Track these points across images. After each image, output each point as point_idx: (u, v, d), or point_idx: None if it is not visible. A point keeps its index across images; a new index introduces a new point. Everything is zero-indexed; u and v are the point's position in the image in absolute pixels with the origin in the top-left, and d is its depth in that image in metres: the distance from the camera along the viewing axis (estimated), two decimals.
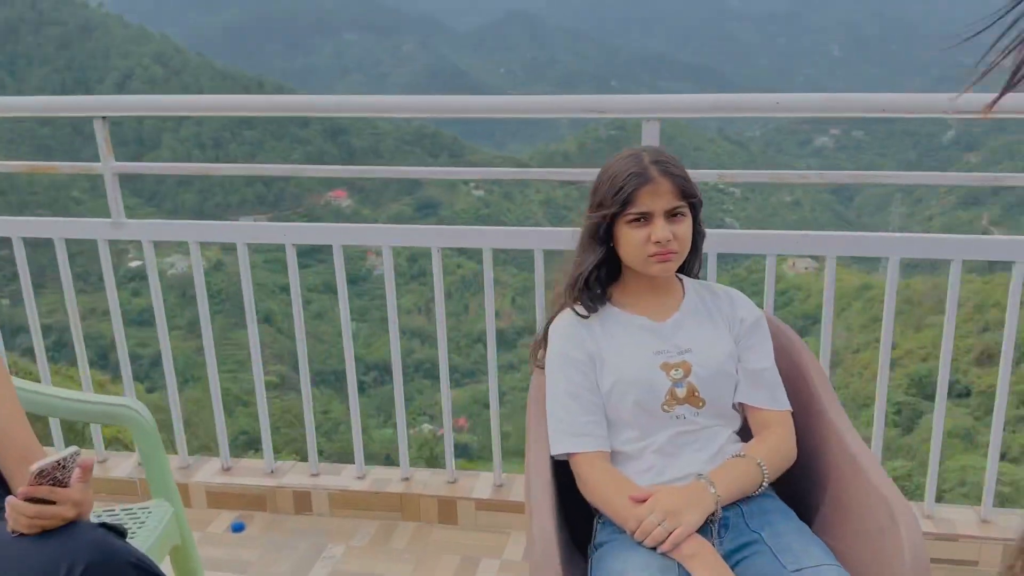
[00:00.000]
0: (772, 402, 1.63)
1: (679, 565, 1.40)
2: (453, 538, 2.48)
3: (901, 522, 1.39)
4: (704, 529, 1.50)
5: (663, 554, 1.42)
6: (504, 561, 2.37)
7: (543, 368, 1.72)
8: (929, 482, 2.33)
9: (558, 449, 1.59)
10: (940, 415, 2.24)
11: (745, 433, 1.66)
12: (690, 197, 1.59)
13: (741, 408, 1.65)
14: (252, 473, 2.68)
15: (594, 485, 1.54)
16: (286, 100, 2.74)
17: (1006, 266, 2.06)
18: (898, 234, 2.15)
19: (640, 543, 1.44)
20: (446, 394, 2.54)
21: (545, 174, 2.37)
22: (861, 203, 57.59)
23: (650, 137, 2.14)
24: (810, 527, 1.57)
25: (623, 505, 1.49)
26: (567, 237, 2.23)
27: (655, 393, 1.58)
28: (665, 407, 1.58)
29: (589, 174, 1.83)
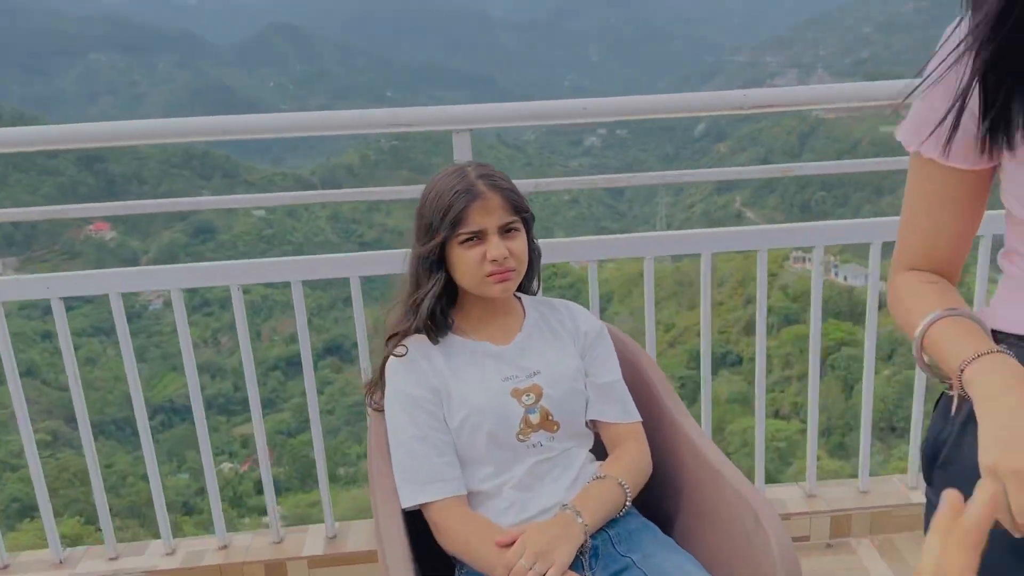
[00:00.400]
0: (624, 415, 1.57)
1: None
2: None
3: (767, 525, 1.37)
4: (575, 562, 1.41)
5: None
6: None
7: (380, 410, 1.56)
8: (757, 466, 2.39)
9: (410, 501, 1.44)
10: (706, 397, 2.31)
11: (598, 449, 1.59)
12: (522, 211, 1.50)
13: (593, 425, 1.58)
14: (37, 568, 2.28)
15: (454, 534, 1.41)
16: (21, 133, 2.26)
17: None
18: (708, 230, 2.19)
19: None
20: (265, 464, 2.29)
21: (358, 195, 2.18)
22: (632, 196, 61.35)
23: (462, 149, 2.03)
24: (672, 538, 1.52)
25: (488, 553, 1.36)
26: (385, 261, 2.10)
27: (509, 422, 1.47)
28: (520, 436, 1.47)
29: (414, 191, 1.70)
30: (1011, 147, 0.92)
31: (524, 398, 1.49)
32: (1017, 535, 0.80)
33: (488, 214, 1.45)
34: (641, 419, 1.59)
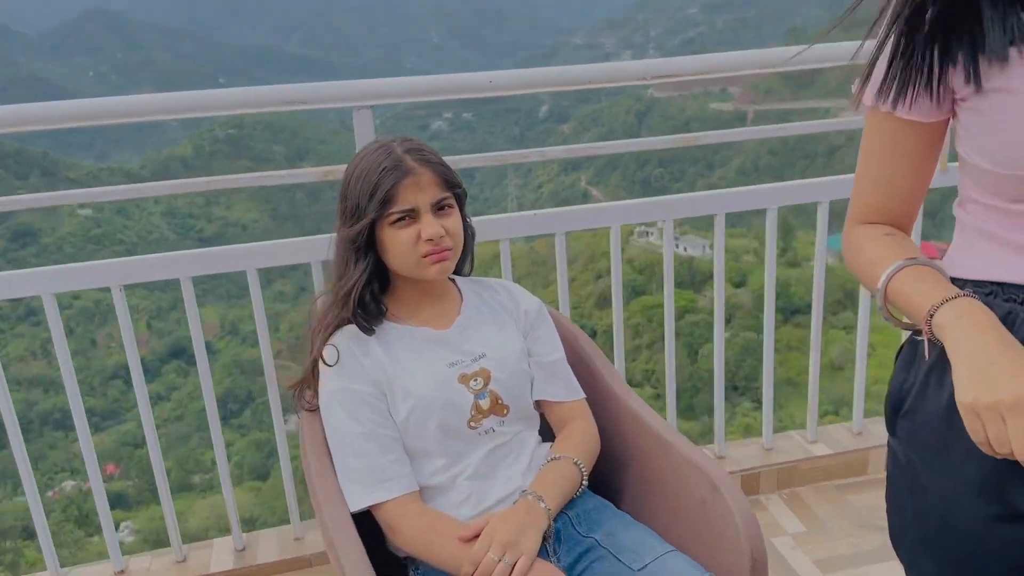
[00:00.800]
0: (570, 393, 1.54)
1: None
2: None
3: (724, 490, 1.37)
4: (540, 549, 1.37)
5: None
6: None
7: (313, 410, 1.45)
8: (717, 427, 2.44)
9: (360, 503, 1.34)
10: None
11: (544, 430, 1.55)
12: (455, 187, 1.43)
13: (538, 405, 1.53)
14: None
15: (411, 534, 1.33)
16: None
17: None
18: (618, 203, 2.19)
19: None
20: (163, 491, 2.09)
21: (256, 179, 1.99)
22: (482, 179, 61.69)
23: (364, 127, 1.93)
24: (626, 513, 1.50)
25: (452, 549, 1.29)
26: (284, 251, 1.97)
27: (459, 411, 1.40)
28: (471, 424, 1.41)
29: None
30: (979, 83, 0.93)
31: (472, 383, 1.42)
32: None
33: (420, 191, 1.37)
34: (585, 396, 1.56)
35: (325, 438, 1.42)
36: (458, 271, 1.55)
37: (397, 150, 1.39)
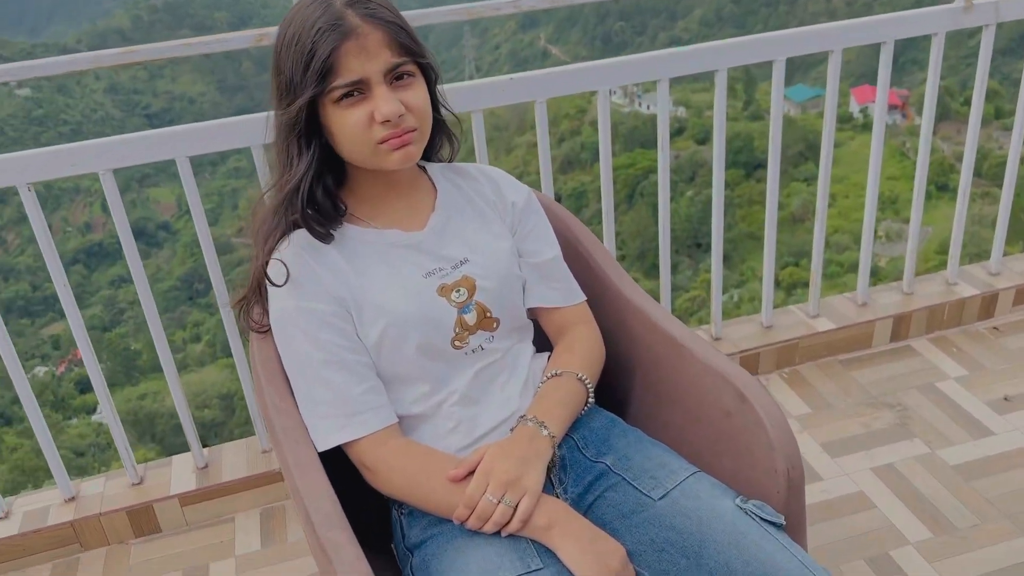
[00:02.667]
0: (569, 297, 1.31)
1: (533, 543, 1.07)
2: (162, 551, 1.91)
3: (753, 399, 1.18)
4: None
5: (510, 536, 1.07)
6: (240, 558, 1.87)
7: (263, 331, 1.21)
8: (715, 309, 2.25)
9: (330, 441, 1.13)
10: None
11: (539, 340, 1.33)
12: (416, 55, 1.13)
13: (532, 313, 1.31)
14: None
15: (392, 473, 1.12)
16: None
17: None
18: (605, 60, 1.89)
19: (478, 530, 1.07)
20: (107, 403, 1.87)
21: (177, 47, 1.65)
22: (436, 40, 59.28)
23: None
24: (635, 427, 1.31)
25: (442, 492, 1.09)
26: (219, 135, 1.68)
27: (441, 329, 1.17)
28: (456, 343, 1.18)
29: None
30: None
31: (455, 295, 1.18)
32: None
33: (368, 57, 1.07)
34: (586, 298, 1.34)
35: (281, 364, 1.19)
36: (428, 157, 1.28)
37: (336, 3, 1.08)
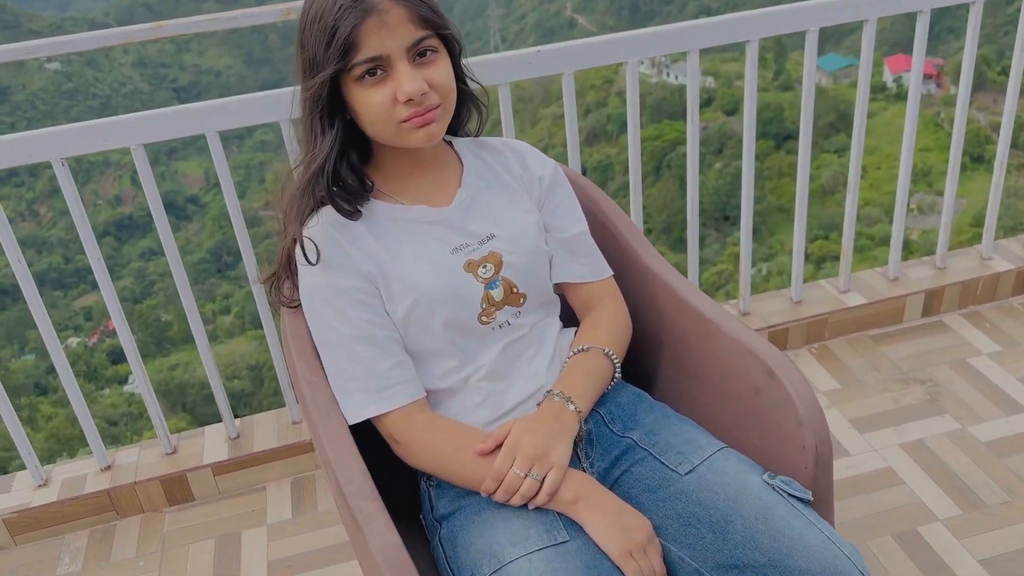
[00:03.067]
0: (596, 271, 1.31)
1: (560, 516, 1.08)
2: (195, 519, 1.95)
3: (782, 376, 1.17)
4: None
5: (537, 509, 1.08)
6: (272, 526, 1.91)
7: (294, 307, 1.23)
8: (744, 284, 2.25)
9: (359, 415, 1.14)
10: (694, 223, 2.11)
11: (565, 314, 1.33)
12: (439, 27, 1.12)
13: (559, 288, 1.31)
14: None
15: (420, 447, 1.14)
16: None
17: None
18: (637, 32, 1.87)
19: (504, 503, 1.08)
20: (141, 374, 1.91)
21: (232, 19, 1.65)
22: (461, 10, 58.82)
23: None
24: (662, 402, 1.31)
25: (470, 465, 1.11)
26: (247, 110, 1.69)
27: (468, 304, 1.17)
28: (483, 318, 1.18)
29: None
30: None
31: (481, 271, 1.18)
32: None
33: (389, 33, 1.06)
34: (612, 273, 1.33)
35: (311, 339, 1.21)
36: (453, 131, 1.27)
37: None
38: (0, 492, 1.96)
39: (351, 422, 1.14)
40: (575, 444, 1.15)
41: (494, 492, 1.08)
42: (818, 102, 2.14)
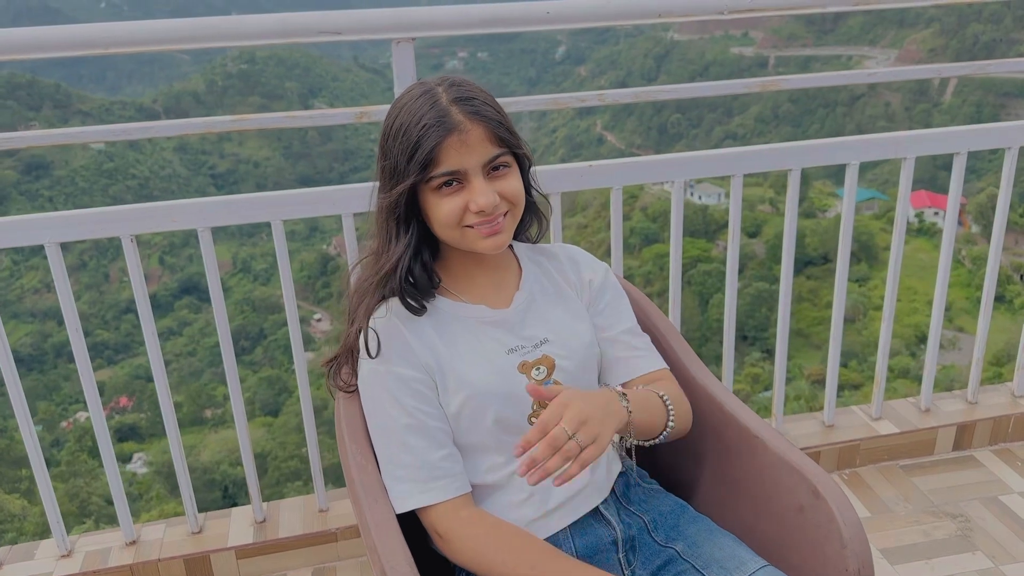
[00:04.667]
0: (652, 362, 1.32)
1: None
2: None
3: (827, 496, 1.18)
4: (608, 557, 1.19)
5: None
6: None
7: (350, 392, 1.26)
8: (777, 403, 2.26)
9: (408, 504, 1.16)
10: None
11: None
12: (513, 147, 1.19)
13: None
14: None
15: (463, 541, 1.14)
16: None
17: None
18: (681, 155, 1.96)
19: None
20: (178, 453, 1.92)
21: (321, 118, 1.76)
22: None
23: (404, 62, 1.70)
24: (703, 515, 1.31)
25: (512, 564, 1.10)
26: (313, 201, 1.77)
27: (520, 404, 1.20)
28: (533, 418, 1.21)
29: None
30: None
31: (534, 372, 1.22)
32: None
33: (468, 151, 1.13)
34: (667, 367, 1.35)
35: (364, 423, 1.24)
36: (517, 235, 1.33)
37: (443, 99, 1.15)
38: (23, 559, 1.95)
39: (398, 511, 1.16)
40: (614, 544, 1.16)
41: (536, 442, 0.99)
42: (839, 230, 2.21)
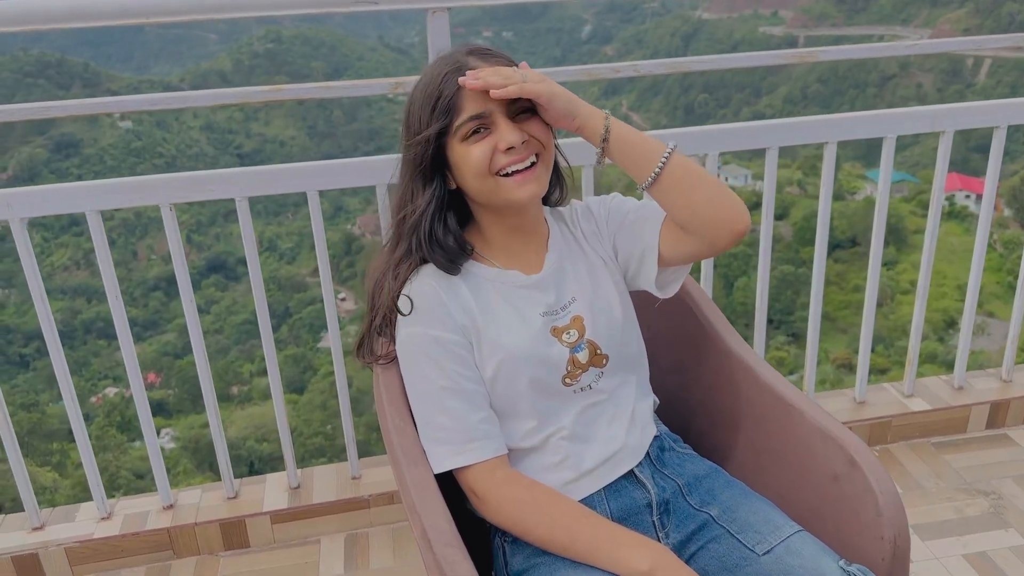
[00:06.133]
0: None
1: None
2: (250, 566, 1.97)
3: (863, 464, 1.19)
4: (642, 519, 1.20)
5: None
6: None
7: (386, 363, 1.27)
8: (808, 380, 2.25)
9: (445, 465, 1.17)
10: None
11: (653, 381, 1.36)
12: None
13: (657, 279, 1.26)
14: None
15: (500, 501, 1.15)
16: None
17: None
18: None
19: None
20: (213, 411, 1.96)
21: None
22: None
23: (439, 32, 1.71)
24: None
25: (547, 523, 1.12)
26: (347, 172, 1.78)
27: (555, 367, 1.21)
28: (567, 380, 1.22)
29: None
30: None
31: (565, 336, 1.22)
32: None
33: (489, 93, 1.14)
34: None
35: (403, 388, 1.25)
36: (545, 199, 1.33)
37: (460, 54, 1.18)
38: (65, 521, 2.00)
39: (436, 471, 1.17)
40: (649, 506, 1.18)
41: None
42: (869, 215, 2.19)
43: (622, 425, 1.25)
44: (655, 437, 1.28)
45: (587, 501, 1.21)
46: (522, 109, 1.17)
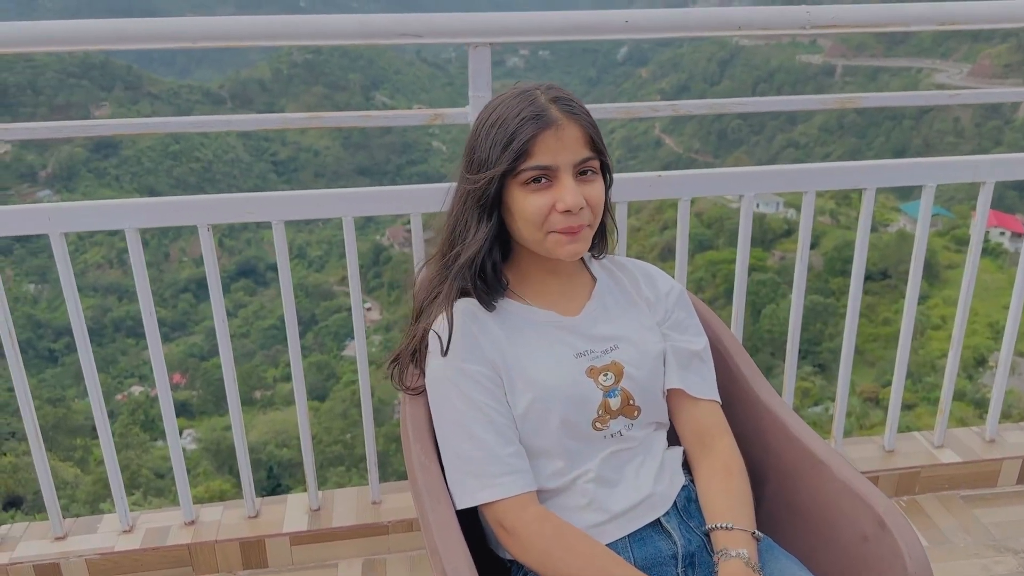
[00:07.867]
0: (706, 389, 1.31)
1: None
2: None
3: (893, 528, 1.17)
4: (666, 571, 1.19)
5: None
6: None
7: (416, 393, 1.28)
8: (837, 426, 2.21)
9: (473, 499, 1.17)
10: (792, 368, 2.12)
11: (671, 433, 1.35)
12: (601, 153, 1.21)
13: (669, 399, 1.32)
14: None
15: (530, 538, 1.14)
16: None
17: None
18: (754, 169, 1.94)
19: None
20: (239, 434, 1.97)
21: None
22: None
23: (480, 66, 1.71)
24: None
25: (577, 565, 1.11)
26: (383, 200, 1.79)
27: (586, 408, 1.21)
28: (597, 424, 1.22)
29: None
30: None
31: (602, 378, 1.22)
32: None
33: (562, 147, 1.16)
34: (721, 402, 1.35)
35: (429, 423, 1.25)
36: (591, 247, 1.34)
37: (541, 98, 1.18)
38: (87, 532, 2.02)
39: (464, 505, 1.17)
40: (675, 562, 1.16)
41: None
42: (902, 247, 2.16)
43: (651, 472, 1.24)
44: (683, 487, 1.27)
45: (610, 547, 1.20)
46: (587, 169, 1.18)
